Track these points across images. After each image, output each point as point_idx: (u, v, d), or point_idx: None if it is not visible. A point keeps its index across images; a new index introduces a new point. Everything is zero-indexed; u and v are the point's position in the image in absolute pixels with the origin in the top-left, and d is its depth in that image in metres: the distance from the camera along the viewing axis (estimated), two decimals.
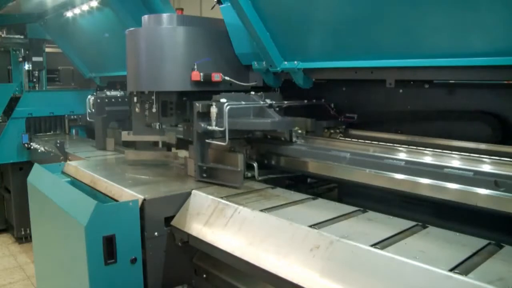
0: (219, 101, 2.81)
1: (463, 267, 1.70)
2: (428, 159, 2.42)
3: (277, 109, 3.04)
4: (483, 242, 1.95)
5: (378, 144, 2.76)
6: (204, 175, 3.03)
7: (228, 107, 2.75)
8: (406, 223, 2.21)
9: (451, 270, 1.65)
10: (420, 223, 2.21)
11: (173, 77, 3.13)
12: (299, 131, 3.15)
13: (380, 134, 2.98)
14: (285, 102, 3.19)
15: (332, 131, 3.20)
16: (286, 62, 3.01)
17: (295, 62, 2.95)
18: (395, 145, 2.67)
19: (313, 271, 1.92)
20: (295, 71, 2.97)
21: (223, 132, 2.76)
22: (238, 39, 3.28)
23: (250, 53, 3.24)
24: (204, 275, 2.76)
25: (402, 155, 2.55)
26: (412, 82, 2.81)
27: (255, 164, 3.05)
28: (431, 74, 2.39)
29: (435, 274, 1.63)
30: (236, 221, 2.43)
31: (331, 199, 2.77)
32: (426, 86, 2.78)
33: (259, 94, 3.07)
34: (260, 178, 3.05)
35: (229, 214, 2.49)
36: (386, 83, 2.64)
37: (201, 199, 2.73)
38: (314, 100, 3.29)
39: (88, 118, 4.92)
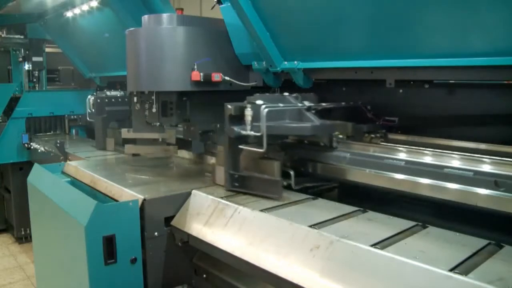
0: (254, 103, 2.56)
1: (463, 267, 1.70)
2: (428, 159, 2.42)
3: (313, 111, 2.79)
4: (483, 242, 1.95)
5: (433, 151, 2.46)
6: (236, 184, 2.76)
7: (267, 109, 2.48)
8: (406, 223, 2.21)
9: (451, 270, 1.65)
10: (420, 223, 2.21)
11: (173, 77, 3.13)
12: (340, 136, 2.86)
13: (428, 140, 2.69)
14: (323, 104, 2.89)
15: (372, 135, 2.89)
16: (286, 62, 3.01)
17: (295, 62, 2.95)
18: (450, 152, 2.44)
19: (313, 271, 1.93)
20: (295, 71, 2.97)
21: (259, 137, 2.50)
22: (238, 39, 3.28)
23: (250, 53, 3.24)
24: (204, 275, 2.76)
25: (402, 155, 2.55)
26: (412, 82, 2.81)
27: (291, 172, 2.74)
28: (431, 74, 2.39)
29: (435, 274, 1.63)
30: (236, 221, 2.43)
31: (331, 199, 2.77)
32: (426, 86, 2.78)
33: (294, 95, 2.82)
34: (297, 188, 2.76)
35: (229, 214, 2.49)
36: (386, 83, 2.64)
37: (201, 199, 2.73)
38: (352, 102, 3.04)
39: (88, 118, 4.92)
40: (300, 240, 2.09)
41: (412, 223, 2.21)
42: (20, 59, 6.70)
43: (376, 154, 2.63)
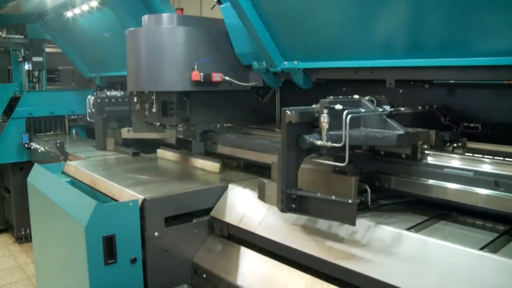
0: (332, 107, 2.17)
1: (491, 246, 1.87)
2: (428, 159, 2.41)
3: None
4: (506, 226, 2.10)
5: None
6: (294, 206, 2.27)
7: (350, 116, 2.08)
8: (429, 213, 2.34)
9: (481, 249, 1.82)
10: (444, 211, 2.34)
11: (173, 77, 3.13)
12: (425, 146, 2.44)
13: None
14: (402, 108, 2.51)
15: (454, 145, 2.50)
16: (286, 62, 3.01)
17: (295, 62, 2.95)
18: None
19: (355, 253, 2.10)
20: (295, 71, 2.97)
21: (337, 149, 2.12)
22: (238, 39, 3.28)
23: (250, 53, 3.24)
24: (204, 275, 2.76)
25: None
26: (412, 82, 2.82)
27: (367, 188, 2.38)
28: (431, 74, 2.39)
29: (468, 253, 1.79)
30: (276, 210, 2.39)
31: None
32: (426, 86, 2.78)
33: (367, 98, 2.45)
34: (373, 206, 2.41)
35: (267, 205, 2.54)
36: (386, 83, 2.64)
37: (238, 192, 2.86)
38: (427, 106, 2.69)
39: (88, 118, 4.92)
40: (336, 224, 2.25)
41: (436, 212, 2.34)
42: (20, 59, 6.70)
43: (474, 168, 2.21)
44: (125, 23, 4.16)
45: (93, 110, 4.78)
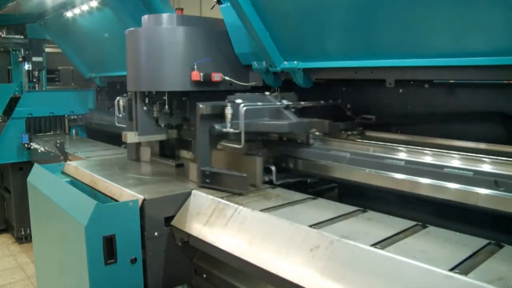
0: (234, 101, 2.73)
1: (463, 267, 1.70)
2: (428, 159, 2.42)
3: (293, 110, 2.92)
4: (483, 242, 1.95)
5: (398, 146, 2.62)
6: (207, 180, 2.87)
7: (245, 108, 2.65)
8: (406, 223, 2.21)
9: (451, 270, 1.65)
10: (420, 223, 2.21)
11: (173, 77, 3.13)
12: (316, 133, 3.02)
13: (401, 136, 2.84)
14: (302, 102, 3.06)
15: (349, 133, 3.03)
16: (286, 62, 3.01)
17: (295, 62, 2.95)
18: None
19: (313, 271, 1.93)
20: (295, 71, 2.97)
21: (239, 134, 2.66)
22: (238, 39, 3.28)
23: (250, 53, 3.24)
24: (204, 275, 2.76)
25: (402, 155, 2.55)
26: (412, 82, 2.82)
27: (273, 168, 2.95)
28: (431, 74, 2.39)
29: (435, 274, 1.64)
30: (236, 221, 2.43)
31: (331, 199, 2.76)
32: (426, 85, 2.78)
33: (274, 94, 2.99)
34: (278, 183, 2.95)
35: (229, 214, 2.49)
36: (386, 83, 2.64)
37: (201, 199, 2.73)
38: (331, 101, 3.18)
39: (116, 123, 4.04)
40: (300, 240, 2.08)
41: (412, 223, 2.21)
42: (20, 59, 6.70)
43: (350, 150, 2.76)
44: (125, 23, 4.15)
45: (124, 114, 3.86)
